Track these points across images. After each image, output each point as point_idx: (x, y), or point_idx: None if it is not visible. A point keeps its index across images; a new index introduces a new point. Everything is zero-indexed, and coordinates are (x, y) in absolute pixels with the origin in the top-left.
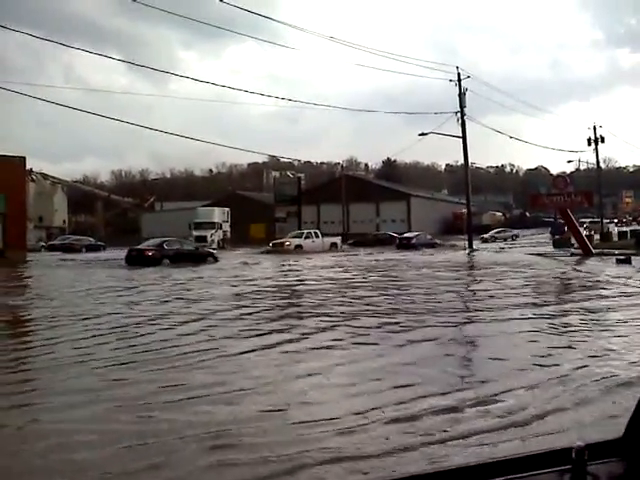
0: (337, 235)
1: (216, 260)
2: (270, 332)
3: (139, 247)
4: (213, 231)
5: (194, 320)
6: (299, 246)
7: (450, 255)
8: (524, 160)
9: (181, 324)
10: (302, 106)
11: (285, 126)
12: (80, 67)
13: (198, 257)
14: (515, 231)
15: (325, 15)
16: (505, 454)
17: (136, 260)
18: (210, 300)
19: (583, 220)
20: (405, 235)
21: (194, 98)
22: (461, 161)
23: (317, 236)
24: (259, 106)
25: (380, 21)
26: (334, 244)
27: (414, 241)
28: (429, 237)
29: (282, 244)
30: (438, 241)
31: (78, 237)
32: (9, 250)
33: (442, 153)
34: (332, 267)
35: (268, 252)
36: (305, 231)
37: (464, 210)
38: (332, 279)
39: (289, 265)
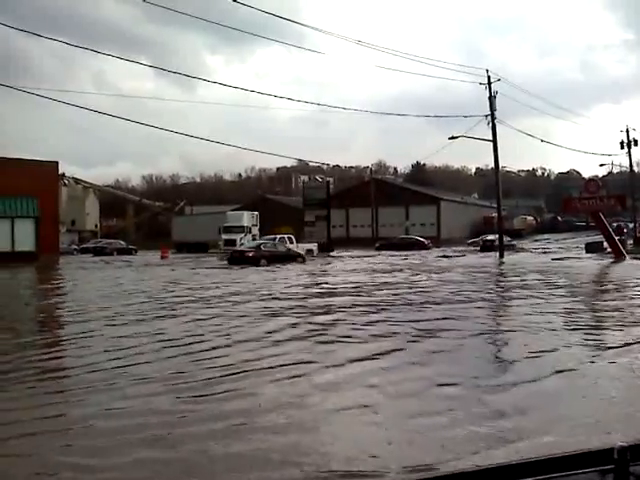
0: (316, 241)
1: (304, 260)
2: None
3: (240, 249)
4: (242, 235)
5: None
6: None
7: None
8: (556, 163)
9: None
10: (330, 110)
11: (313, 130)
12: (110, 73)
13: (289, 257)
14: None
15: (351, 17)
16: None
17: (238, 260)
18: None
19: (618, 223)
20: (488, 237)
21: (223, 103)
22: (491, 164)
23: (291, 242)
24: (287, 110)
25: (407, 24)
26: (310, 251)
27: (496, 243)
28: (508, 239)
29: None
30: (514, 243)
31: (110, 240)
32: (42, 253)
33: (472, 156)
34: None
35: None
36: (278, 236)
37: (495, 214)
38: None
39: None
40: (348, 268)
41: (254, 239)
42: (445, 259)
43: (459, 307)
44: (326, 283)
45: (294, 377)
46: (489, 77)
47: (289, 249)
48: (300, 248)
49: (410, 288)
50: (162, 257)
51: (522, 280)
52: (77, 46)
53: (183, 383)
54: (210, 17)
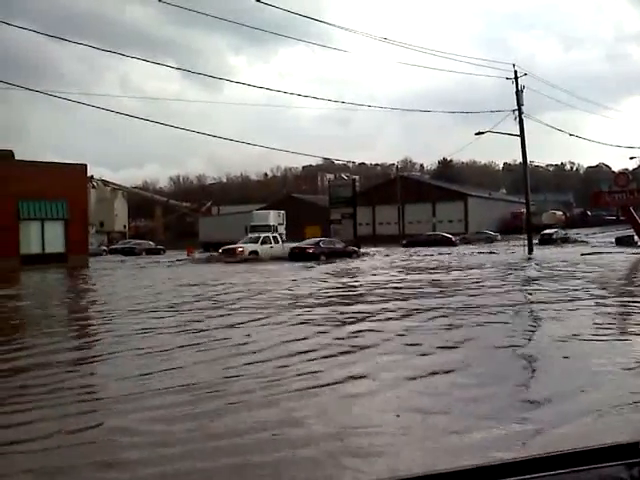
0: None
1: (359, 256)
2: None
3: (301, 245)
4: (269, 234)
5: None
6: (254, 252)
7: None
8: (585, 157)
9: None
10: (354, 108)
11: (338, 128)
12: (135, 76)
13: (346, 254)
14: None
15: (374, 14)
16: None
17: (299, 256)
18: None
19: None
20: (546, 231)
21: (247, 103)
22: (519, 159)
23: (277, 241)
24: (311, 109)
25: (431, 19)
26: None
27: (554, 236)
28: (564, 232)
29: (234, 250)
30: (572, 236)
31: (138, 241)
32: (71, 254)
33: (499, 151)
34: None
35: (217, 260)
36: (262, 235)
37: (523, 210)
38: None
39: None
40: (395, 264)
41: (280, 238)
42: (493, 255)
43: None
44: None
45: None
46: (516, 72)
47: (346, 245)
48: (286, 248)
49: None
50: (188, 255)
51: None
52: (103, 49)
53: None
54: (233, 18)
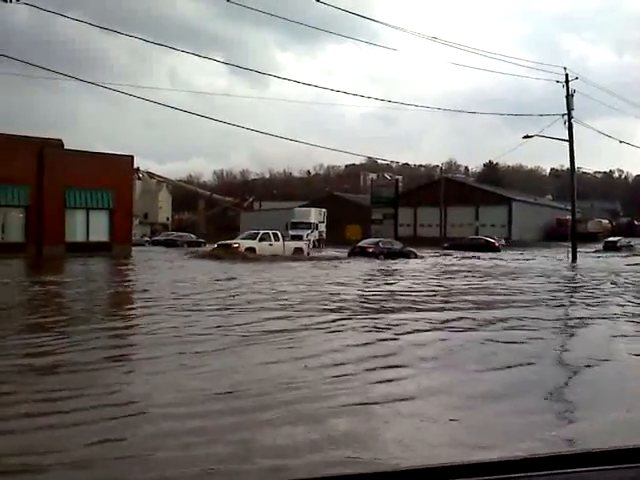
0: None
1: (416, 257)
2: None
3: (361, 245)
4: (309, 231)
5: None
6: (251, 249)
7: None
8: (634, 165)
9: None
10: (400, 107)
11: (383, 127)
12: (183, 70)
13: (403, 254)
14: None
15: (424, 13)
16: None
17: (359, 255)
18: None
19: None
20: (610, 239)
21: (293, 100)
22: (567, 165)
23: (277, 238)
24: (356, 107)
25: (481, 20)
26: (299, 249)
27: (618, 244)
28: (628, 240)
29: (229, 245)
30: (632, 243)
31: (180, 233)
32: (115, 244)
33: (546, 156)
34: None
35: (210, 255)
36: (261, 231)
37: (569, 217)
38: None
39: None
40: (454, 269)
41: (320, 236)
42: (532, 261)
43: None
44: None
45: None
46: (567, 75)
47: (403, 246)
48: (288, 246)
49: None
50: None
51: None
52: (154, 43)
53: None
54: (282, 14)
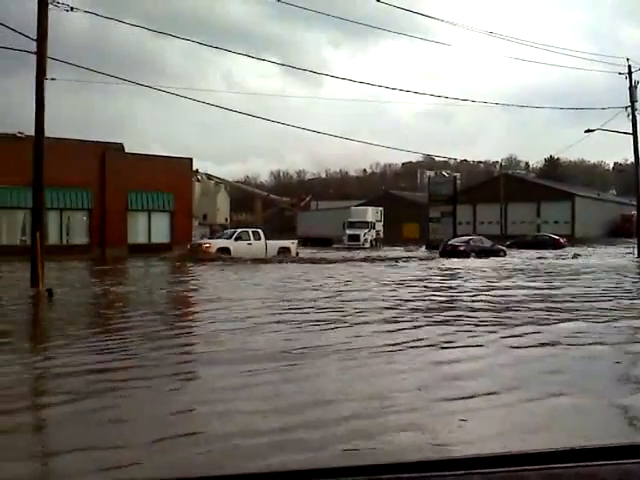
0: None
1: (505, 254)
2: None
3: (452, 243)
4: (366, 230)
5: None
6: (225, 249)
7: None
8: None
9: None
10: (456, 103)
11: (439, 124)
12: (237, 71)
13: (493, 252)
14: None
15: (479, 7)
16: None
17: (450, 253)
18: None
19: None
20: None
21: (348, 99)
22: (631, 159)
23: (257, 237)
24: (412, 104)
25: (537, 12)
26: (284, 249)
27: None
28: None
29: (199, 246)
30: None
31: None
32: (176, 245)
33: (610, 150)
34: None
35: (180, 258)
36: (238, 230)
37: (634, 212)
38: None
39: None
40: (544, 268)
41: (377, 235)
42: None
43: None
44: None
45: None
46: (629, 66)
47: (493, 244)
48: (270, 246)
49: None
50: None
51: None
52: (209, 45)
53: None
54: (334, 11)
